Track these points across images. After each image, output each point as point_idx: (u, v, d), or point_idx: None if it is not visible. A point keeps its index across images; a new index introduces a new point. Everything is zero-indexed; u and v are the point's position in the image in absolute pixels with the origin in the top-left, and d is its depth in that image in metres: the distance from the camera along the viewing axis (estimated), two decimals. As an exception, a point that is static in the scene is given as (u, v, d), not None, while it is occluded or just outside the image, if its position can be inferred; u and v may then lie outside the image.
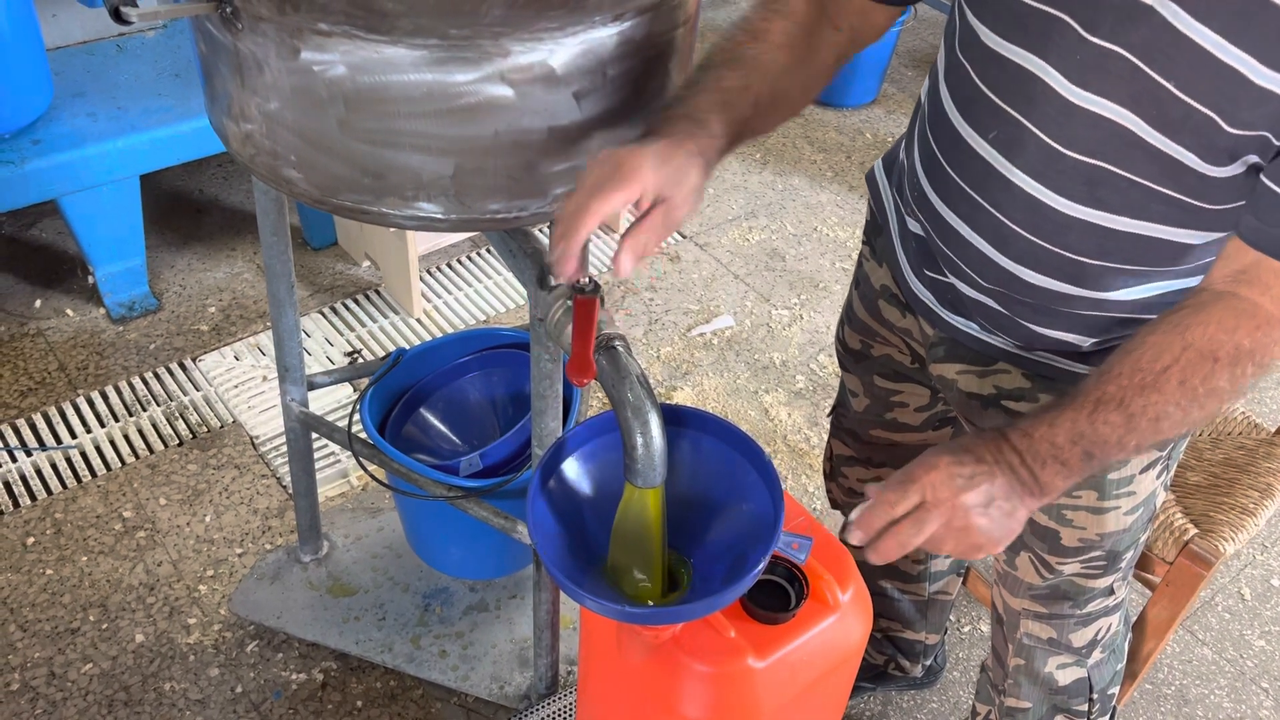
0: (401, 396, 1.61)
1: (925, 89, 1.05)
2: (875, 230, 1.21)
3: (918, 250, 1.09)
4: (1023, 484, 0.84)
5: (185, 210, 2.63)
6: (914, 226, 1.09)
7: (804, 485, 2.08)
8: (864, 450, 1.42)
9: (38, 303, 2.33)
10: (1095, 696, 1.32)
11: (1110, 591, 1.22)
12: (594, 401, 2.17)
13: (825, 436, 2.17)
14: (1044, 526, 1.16)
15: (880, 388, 1.32)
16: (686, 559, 1.11)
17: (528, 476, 1.43)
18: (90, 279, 2.30)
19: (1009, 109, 0.89)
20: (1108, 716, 1.36)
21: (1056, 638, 1.27)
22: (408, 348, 1.58)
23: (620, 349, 0.99)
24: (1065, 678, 1.30)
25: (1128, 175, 0.86)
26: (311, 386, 1.56)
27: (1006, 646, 1.33)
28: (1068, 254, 0.93)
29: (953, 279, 1.05)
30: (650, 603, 1.07)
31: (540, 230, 1.13)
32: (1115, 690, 1.34)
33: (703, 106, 0.92)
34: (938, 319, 1.11)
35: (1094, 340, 1.02)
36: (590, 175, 0.84)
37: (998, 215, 0.95)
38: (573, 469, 1.08)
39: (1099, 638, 1.27)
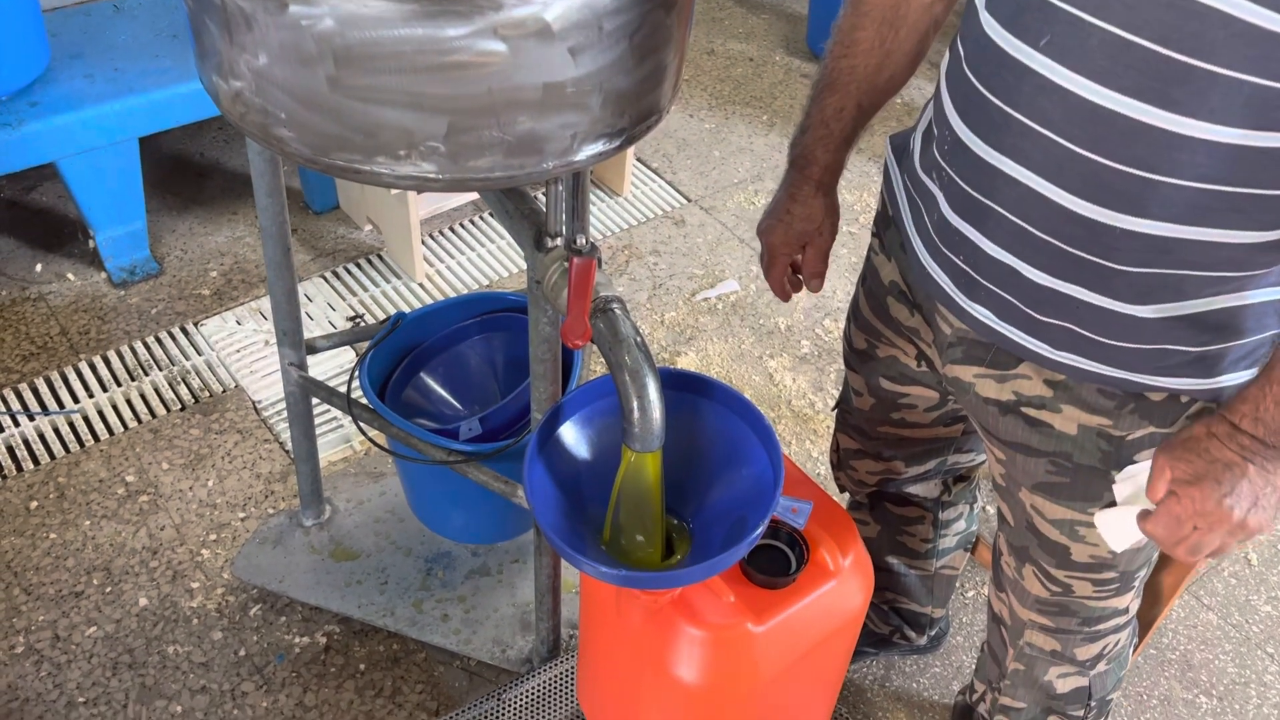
0: (401, 360, 1.60)
1: (950, 49, 0.99)
2: (885, 222, 1.16)
3: (937, 225, 1.01)
4: (1271, 460, 0.88)
5: (186, 174, 2.62)
6: (938, 193, 1.00)
7: (808, 450, 2.07)
8: (872, 445, 1.38)
9: (38, 267, 2.32)
10: (1093, 703, 1.29)
11: (1124, 611, 1.19)
12: (596, 366, 2.16)
13: (830, 401, 2.16)
14: (1053, 541, 1.11)
15: (886, 390, 1.27)
16: (686, 523, 1.10)
17: (529, 440, 1.41)
18: (91, 243, 2.29)
19: (1066, 6, 0.81)
20: (1105, 718, 1.33)
21: (1061, 650, 1.23)
22: (408, 312, 1.57)
23: (618, 311, 0.98)
24: (1064, 686, 1.28)
25: (1207, 66, 0.76)
26: (311, 350, 1.55)
27: (1006, 649, 1.29)
28: (1135, 171, 0.83)
29: (980, 239, 0.95)
30: (649, 567, 1.06)
31: (537, 191, 1.12)
32: (1116, 695, 1.31)
33: (810, 147, 1.16)
34: (954, 304, 1.02)
35: (1147, 308, 0.91)
36: (762, 257, 1.24)
37: (1051, 135, 0.85)
38: (570, 434, 1.07)
39: (1105, 651, 1.24)
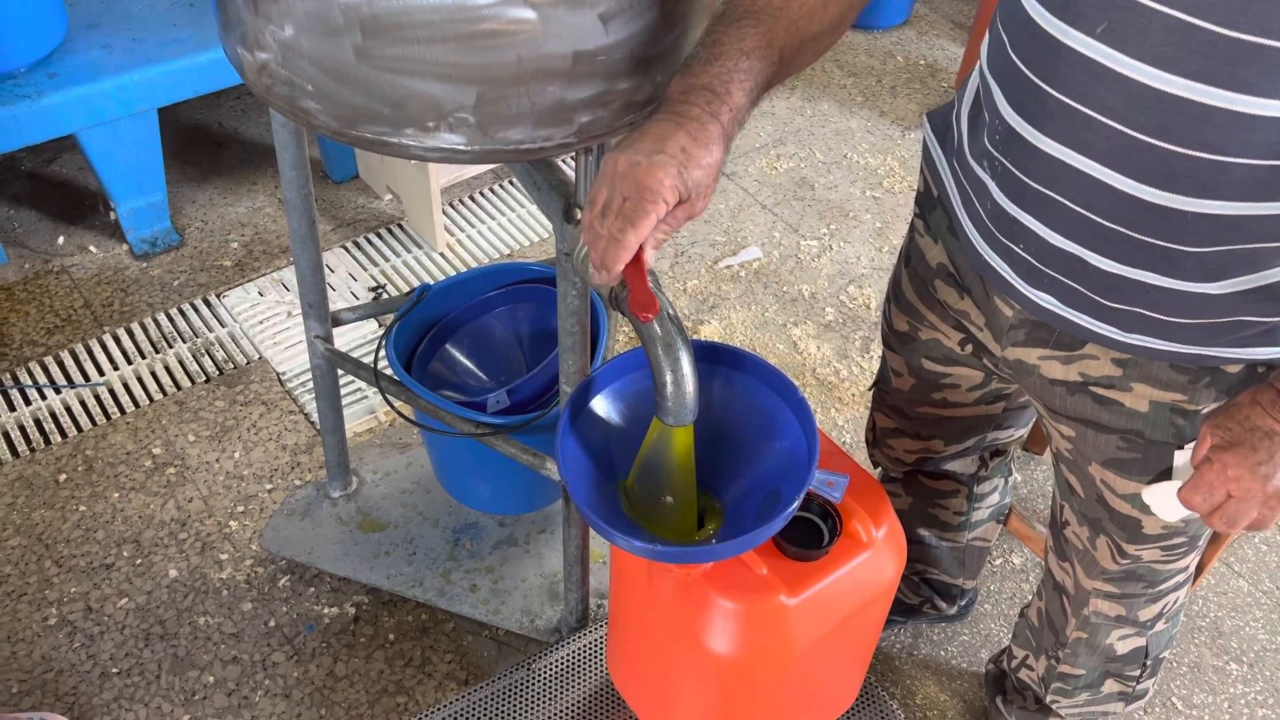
0: (427, 332, 1.60)
1: (991, 31, 0.95)
2: (929, 203, 1.11)
3: (992, 214, 0.98)
4: None
5: (205, 144, 2.60)
6: (991, 183, 0.96)
7: (833, 419, 2.05)
8: (911, 425, 1.36)
9: (60, 239, 2.32)
10: (1149, 662, 1.29)
11: (1184, 569, 1.18)
12: (620, 336, 2.15)
13: (854, 368, 2.14)
14: (1124, 515, 1.10)
15: (929, 370, 1.24)
16: (718, 496, 1.10)
17: (556, 413, 1.41)
18: (112, 215, 2.29)
19: None
20: (1155, 677, 1.33)
21: (1125, 615, 1.23)
22: (432, 283, 1.56)
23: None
24: (1124, 647, 1.27)
25: (1277, 44, 0.73)
26: (336, 323, 1.54)
27: (1066, 619, 1.28)
28: (1206, 155, 0.80)
29: (1043, 230, 0.92)
30: (682, 540, 1.05)
31: (565, 161, 1.10)
32: (1168, 653, 1.30)
33: (722, 76, 0.86)
34: (1015, 292, 1.00)
35: (1219, 284, 0.89)
36: (615, 198, 0.82)
37: (1114, 124, 0.82)
38: (602, 407, 1.06)
39: (1165, 610, 1.23)
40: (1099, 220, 0.88)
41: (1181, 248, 0.87)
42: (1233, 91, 0.76)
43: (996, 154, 0.93)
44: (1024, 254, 0.96)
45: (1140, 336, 0.95)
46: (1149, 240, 0.87)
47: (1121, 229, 0.88)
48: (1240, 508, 0.90)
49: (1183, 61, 0.77)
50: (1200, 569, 1.51)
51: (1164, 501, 1.00)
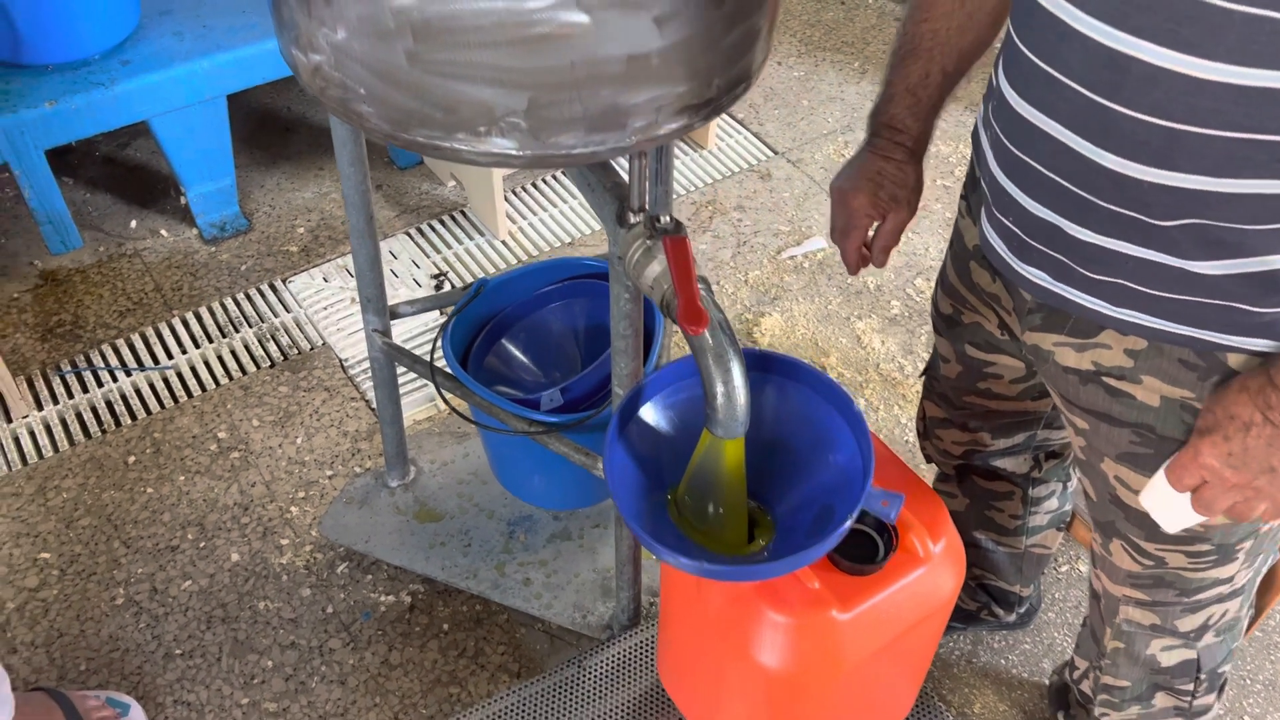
0: (484, 327, 1.59)
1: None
2: (973, 184, 1.10)
3: (990, 186, 0.97)
4: None
5: (273, 129, 2.63)
6: (989, 152, 0.96)
7: (896, 416, 2.01)
8: (958, 415, 1.33)
9: (133, 223, 2.37)
10: (1203, 676, 1.23)
11: (1227, 580, 1.12)
12: (677, 333, 2.12)
13: (920, 365, 2.09)
14: (1141, 512, 1.05)
15: (972, 357, 1.22)
16: (769, 508, 1.07)
17: (610, 412, 1.40)
18: (182, 199, 2.33)
19: None
20: (1216, 692, 1.28)
21: (1160, 624, 1.18)
22: (493, 271, 1.56)
23: (701, 292, 0.94)
24: (1170, 659, 1.22)
25: (1218, 2, 0.70)
26: (394, 316, 1.55)
27: (1103, 626, 1.24)
28: (1156, 120, 0.77)
29: (1025, 199, 0.91)
30: (731, 552, 1.04)
31: (619, 163, 1.08)
32: (1228, 667, 1.25)
33: (898, 116, 1.11)
34: (1012, 271, 0.98)
35: (1205, 263, 0.85)
36: (836, 220, 1.16)
37: (1073, 85, 0.81)
38: (651, 415, 1.04)
39: (1210, 623, 1.17)
40: (1069, 186, 0.87)
41: (1147, 219, 0.83)
42: (1175, 51, 0.74)
43: (992, 120, 0.94)
44: (1013, 227, 0.95)
45: (1130, 311, 0.91)
46: (1115, 209, 0.85)
47: (1089, 196, 0.85)
48: (1212, 493, 0.89)
49: (1130, 17, 0.75)
50: (1278, 587, 1.45)
51: (1159, 498, 0.96)
